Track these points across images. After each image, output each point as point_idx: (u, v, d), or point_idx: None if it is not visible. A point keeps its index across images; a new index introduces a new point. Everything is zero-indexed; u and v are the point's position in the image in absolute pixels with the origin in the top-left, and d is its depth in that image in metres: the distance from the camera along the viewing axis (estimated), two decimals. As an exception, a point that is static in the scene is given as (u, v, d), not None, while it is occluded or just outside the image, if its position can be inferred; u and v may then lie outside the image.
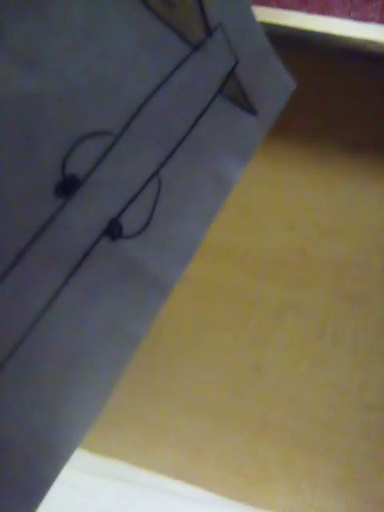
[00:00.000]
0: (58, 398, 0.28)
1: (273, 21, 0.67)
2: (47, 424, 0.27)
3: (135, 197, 0.30)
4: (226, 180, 0.36)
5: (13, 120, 0.24)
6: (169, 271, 0.33)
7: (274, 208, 0.79)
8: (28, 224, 0.25)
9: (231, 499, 0.85)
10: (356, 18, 0.62)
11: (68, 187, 0.27)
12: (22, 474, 0.26)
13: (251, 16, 0.34)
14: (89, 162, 0.28)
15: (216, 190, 0.35)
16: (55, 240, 0.27)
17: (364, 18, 0.62)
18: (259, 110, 0.36)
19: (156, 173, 0.31)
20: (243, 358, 0.83)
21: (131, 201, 0.30)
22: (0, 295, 0.25)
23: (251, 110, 0.36)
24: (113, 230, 0.29)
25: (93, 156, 0.28)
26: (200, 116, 0.33)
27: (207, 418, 0.87)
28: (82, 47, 0.26)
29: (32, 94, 0.24)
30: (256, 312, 0.81)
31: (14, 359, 0.26)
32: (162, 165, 0.31)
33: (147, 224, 0.31)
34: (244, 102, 0.35)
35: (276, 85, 0.37)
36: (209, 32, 0.32)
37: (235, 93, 0.35)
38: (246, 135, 0.36)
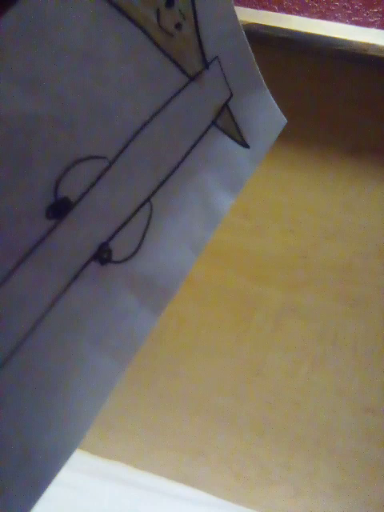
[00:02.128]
0: (37, 422, 0.27)
1: (273, 24, 0.67)
2: (26, 449, 0.27)
3: (126, 222, 0.30)
4: (216, 210, 0.36)
5: (7, 140, 0.23)
6: (156, 298, 0.33)
7: (275, 211, 0.79)
8: (17, 245, 0.25)
9: (231, 502, 0.85)
10: (357, 23, 0.63)
11: (59, 209, 0.26)
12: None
13: (247, 52, 0.35)
14: (82, 186, 0.27)
15: (206, 219, 0.35)
16: (43, 262, 0.26)
17: (365, 22, 0.63)
18: (251, 143, 0.36)
19: (148, 199, 0.31)
20: (244, 360, 0.83)
21: (122, 226, 0.30)
22: None
23: (243, 143, 0.36)
24: (102, 255, 0.29)
25: (86, 180, 0.27)
26: (193, 146, 0.33)
27: (208, 421, 0.87)
28: (80, 71, 0.26)
29: (27, 114, 0.24)
30: (257, 315, 0.81)
31: None
32: (154, 192, 0.31)
33: (137, 250, 0.31)
34: (236, 135, 0.36)
35: (268, 120, 0.37)
36: (205, 64, 0.32)
37: (228, 125, 0.35)
38: (237, 167, 0.36)
